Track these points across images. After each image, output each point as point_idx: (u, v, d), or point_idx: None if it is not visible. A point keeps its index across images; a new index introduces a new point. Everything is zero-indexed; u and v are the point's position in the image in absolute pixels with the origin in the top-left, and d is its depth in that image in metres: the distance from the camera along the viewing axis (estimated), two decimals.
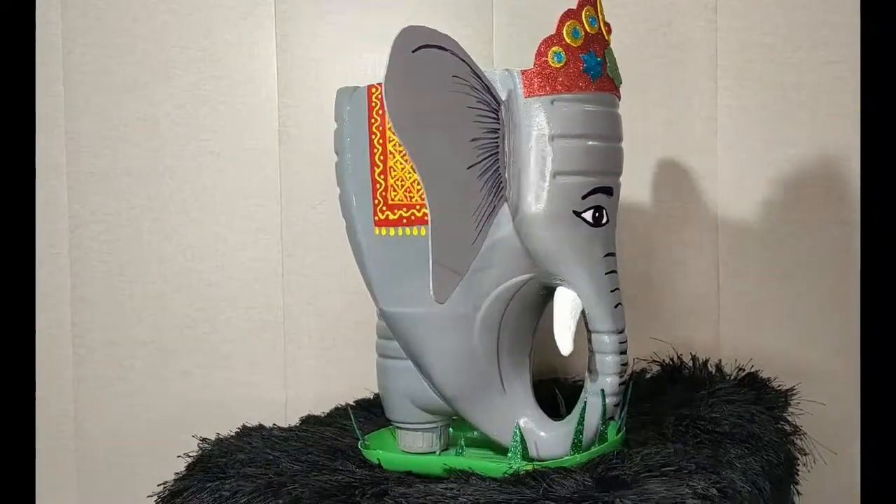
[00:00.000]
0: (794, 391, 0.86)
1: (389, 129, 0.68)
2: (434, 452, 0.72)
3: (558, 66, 0.65)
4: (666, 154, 0.98)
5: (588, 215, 0.66)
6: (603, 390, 0.67)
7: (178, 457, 0.75)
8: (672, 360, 0.91)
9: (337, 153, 0.72)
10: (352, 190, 0.71)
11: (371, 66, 0.98)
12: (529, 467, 0.65)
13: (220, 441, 0.77)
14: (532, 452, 0.68)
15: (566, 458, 0.67)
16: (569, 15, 0.65)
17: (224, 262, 0.99)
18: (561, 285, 0.67)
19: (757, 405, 0.79)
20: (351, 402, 0.87)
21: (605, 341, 0.67)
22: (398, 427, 0.73)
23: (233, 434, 0.78)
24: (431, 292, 0.64)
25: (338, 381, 0.95)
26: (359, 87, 0.71)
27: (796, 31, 0.97)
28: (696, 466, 0.64)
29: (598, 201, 0.66)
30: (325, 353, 0.99)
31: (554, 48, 0.65)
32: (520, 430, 0.68)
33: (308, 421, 0.85)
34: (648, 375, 0.91)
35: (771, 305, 0.99)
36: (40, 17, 0.98)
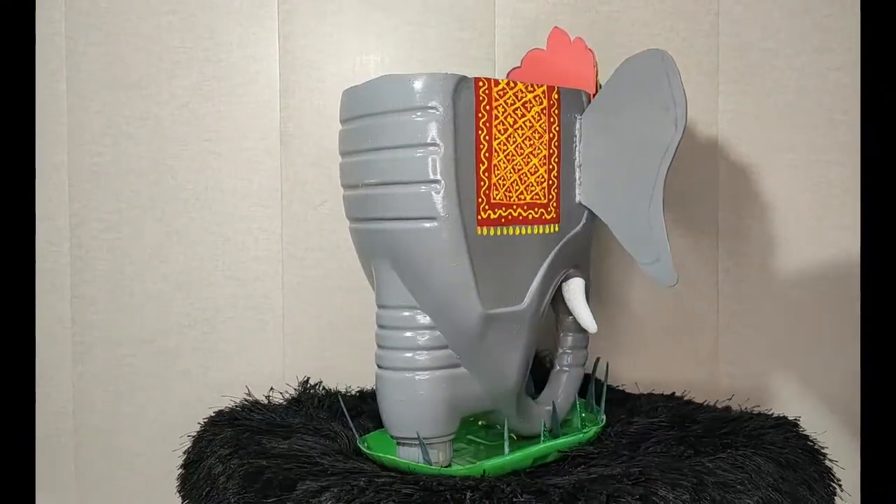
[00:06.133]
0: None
1: (496, 126, 0.68)
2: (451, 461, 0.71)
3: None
4: None
5: None
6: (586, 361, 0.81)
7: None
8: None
9: (423, 144, 0.66)
10: (452, 186, 0.66)
11: (374, 67, 0.98)
12: (598, 429, 0.77)
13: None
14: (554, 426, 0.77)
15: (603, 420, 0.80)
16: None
17: (224, 262, 0.99)
18: (577, 276, 0.76)
19: None
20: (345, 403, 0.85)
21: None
22: (423, 443, 0.69)
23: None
24: (676, 278, 0.70)
25: (338, 383, 0.95)
26: (464, 76, 0.67)
27: (798, 37, 0.97)
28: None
29: None
30: (324, 355, 0.99)
31: (598, 79, 0.78)
32: (577, 403, 0.80)
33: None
34: None
35: (771, 311, 0.99)
36: (43, 15, 0.99)
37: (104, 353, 1.00)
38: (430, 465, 0.68)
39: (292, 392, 0.91)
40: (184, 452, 0.79)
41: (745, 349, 0.99)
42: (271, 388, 0.91)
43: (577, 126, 0.74)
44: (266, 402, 0.87)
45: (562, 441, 0.74)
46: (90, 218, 1.00)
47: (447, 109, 0.65)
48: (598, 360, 0.85)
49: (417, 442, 0.68)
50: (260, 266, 0.99)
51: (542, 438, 0.74)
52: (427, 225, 0.66)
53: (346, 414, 0.76)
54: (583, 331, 0.79)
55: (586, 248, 0.78)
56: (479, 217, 0.68)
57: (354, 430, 0.75)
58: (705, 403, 0.86)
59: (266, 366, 1.00)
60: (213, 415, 0.84)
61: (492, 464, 0.69)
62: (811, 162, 0.98)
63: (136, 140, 0.99)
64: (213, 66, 0.99)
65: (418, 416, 0.69)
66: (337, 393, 0.89)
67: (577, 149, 0.74)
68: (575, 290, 0.76)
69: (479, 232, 0.68)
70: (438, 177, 0.66)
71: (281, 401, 0.89)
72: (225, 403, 0.86)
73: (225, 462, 0.70)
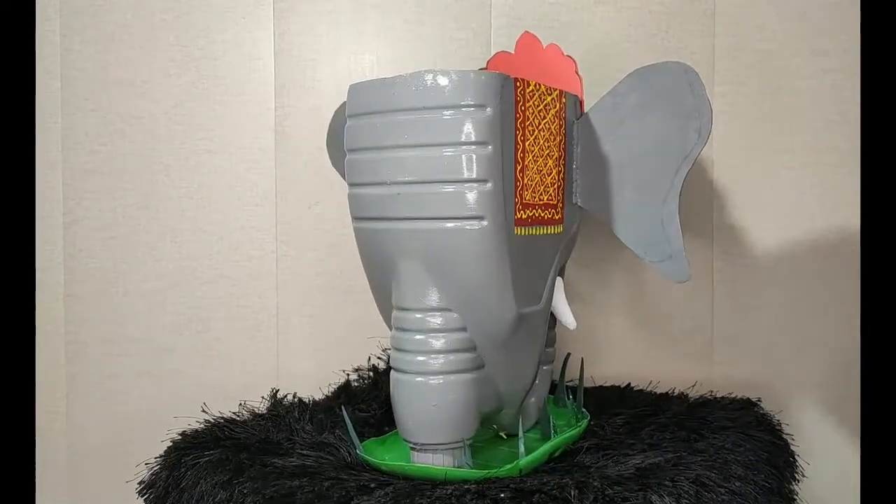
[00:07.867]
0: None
1: (527, 126, 0.68)
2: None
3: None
4: None
5: None
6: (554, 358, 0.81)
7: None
8: None
9: (474, 142, 0.64)
10: (499, 185, 0.64)
11: (369, 67, 0.97)
12: (587, 423, 0.78)
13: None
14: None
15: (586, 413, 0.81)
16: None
17: (218, 261, 0.99)
18: (559, 275, 0.76)
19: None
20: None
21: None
22: (453, 447, 0.68)
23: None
24: (689, 274, 0.73)
25: (330, 382, 0.94)
26: (507, 75, 0.66)
27: (794, 38, 0.97)
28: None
29: None
30: (317, 354, 0.99)
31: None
32: (570, 402, 0.82)
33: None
34: None
35: (766, 312, 0.99)
36: (39, 13, 0.98)
37: (97, 352, 1.00)
38: (472, 468, 0.66)
39: (257, 405, 0.85)
40: (140, 483, 0.72)
41: (740, 350, 0.99)
42: (240, 403, 0.84)
43: (575, 130, 0.75)
44: (235, 416, 0.81)
45: (569, 435, 0.75)
46: (84, 216, 0.99)
47: (495, 108, 0.64)
48: (568, 355, 0.86)
49: (438, 447, 0.67)
50: (254, 265, 0.99)
51: (554, 433, 0.74)
52: (474, 225, 0.64)
53: (349, 426, 0.72)
54: (552, 328, 0.80)
55: (572, 249, 0.79)
56: (516, 217, 0.67)
57: (357, 442, 0.71)
58: (670, 392, 0.90)
59: (260, 365, 0.99)
60: (178, 437, 0.76)
61: (525, 461, 0.68)
62: (807, 164, 0.98)
63: (130, 138, 0.99)
64: (209, 65, 0.98)
65: (448, 420, 0.66)
66: (339, 407, 0.86)
67: (574, 152, 0.75)
68: (558, 288, 0.76)
69: (516, 232, 0.67)
70: (488, 176, 0.64)
71: (247, 416, 0.81)
72: (215, 403, 0.83)
73: (229, 488, 0.63)
